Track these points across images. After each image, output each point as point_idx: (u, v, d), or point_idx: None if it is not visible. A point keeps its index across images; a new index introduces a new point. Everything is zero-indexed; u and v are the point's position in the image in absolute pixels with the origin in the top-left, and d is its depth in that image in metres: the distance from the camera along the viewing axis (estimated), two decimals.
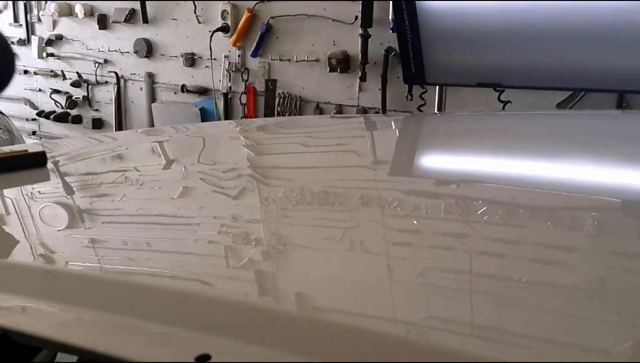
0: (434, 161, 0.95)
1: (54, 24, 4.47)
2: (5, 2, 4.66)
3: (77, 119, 4.39)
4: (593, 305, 0.47)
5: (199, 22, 3.78)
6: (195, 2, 3.73)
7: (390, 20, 2.93)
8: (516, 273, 0.52)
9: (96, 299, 0.46)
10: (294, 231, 0.65)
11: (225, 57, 3.72)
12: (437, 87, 2.39)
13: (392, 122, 1.28)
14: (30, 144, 1.73)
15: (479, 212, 0.64)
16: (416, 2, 1.93)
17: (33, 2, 4.52)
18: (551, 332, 0.43)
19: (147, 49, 4.03)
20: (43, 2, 4.44)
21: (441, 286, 0.50)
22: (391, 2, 2.63)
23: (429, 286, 0.50)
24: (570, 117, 1.08)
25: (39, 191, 0.83)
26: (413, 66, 2.01)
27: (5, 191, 0.80)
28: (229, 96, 3.72)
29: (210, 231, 0.65)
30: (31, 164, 0.88)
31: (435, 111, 2.46)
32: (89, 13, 4.28)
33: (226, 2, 3.59)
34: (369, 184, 0.78)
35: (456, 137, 1.07)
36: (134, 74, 4.17)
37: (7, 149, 1.01)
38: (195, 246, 0.60)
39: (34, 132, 4.70)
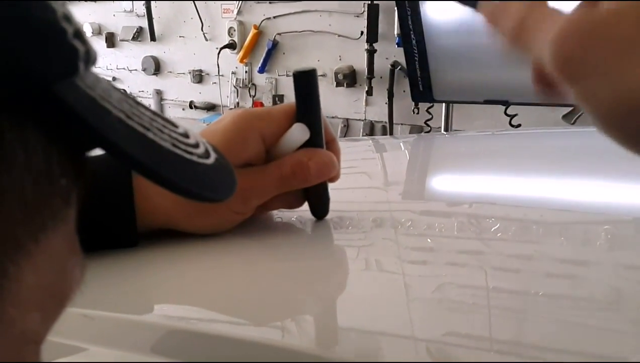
0: (444, 182, 0.97)
1: None
2: None
3: None
4: (610, 315, 0.49)
5: (206, 40, 3.83)
6: (202, 19, 3.78)
7: (396, 35, 2.97)
8: (533, 287, 0.54)
9: None
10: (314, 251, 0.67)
11: (232, 73, 3.76)
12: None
13: (401, 144, 1.30)
14: None
15: (493, 229, 0.66)
16: (422, 19, 1.96)
17: None
18: (571, 342, 0.44)
19: (155, 67, 4.08)
20: None
21: (459, 301, 0.52)
22: (397, 20, 2.67)
23: (446, 302, 0.52)
24: (580, 136, 1.10)
25: None
26: (421, 84, 2.05)
27: None
28: None
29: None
30: None
31: (442, 124, 2.49)
32: (97, 32, 4.33)
33: (233, 19, 3.64)
34: (382, 206, 0.80)
35: (465, 158, 1.09)
36: (142, 91, 4.22)
37: None
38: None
39: None
